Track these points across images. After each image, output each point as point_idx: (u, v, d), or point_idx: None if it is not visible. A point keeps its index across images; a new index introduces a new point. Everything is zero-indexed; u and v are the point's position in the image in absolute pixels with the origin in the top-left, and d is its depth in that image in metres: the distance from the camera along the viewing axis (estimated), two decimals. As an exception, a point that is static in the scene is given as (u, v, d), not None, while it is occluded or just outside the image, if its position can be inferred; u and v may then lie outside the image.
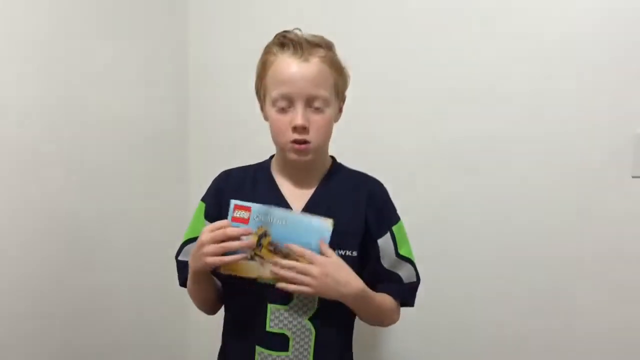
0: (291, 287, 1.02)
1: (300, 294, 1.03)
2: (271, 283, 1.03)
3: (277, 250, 1.02)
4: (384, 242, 1.11)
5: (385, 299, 1.11)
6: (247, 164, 1.20)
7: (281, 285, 1.02)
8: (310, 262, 1.01)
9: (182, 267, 1.14)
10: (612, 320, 1.37)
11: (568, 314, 1.41)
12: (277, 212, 1.02)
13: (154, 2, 1.67)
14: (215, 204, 1.12)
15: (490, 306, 1.49)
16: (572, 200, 1.39)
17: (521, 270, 1.45)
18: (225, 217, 1.02)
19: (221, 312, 1.18)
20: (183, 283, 1.15)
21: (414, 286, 1.15)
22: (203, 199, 1.16)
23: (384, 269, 1.12)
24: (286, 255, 1.02)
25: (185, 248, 1.15)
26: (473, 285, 1.50)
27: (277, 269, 1.02)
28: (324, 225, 1.02)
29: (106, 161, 1.53)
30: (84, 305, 1.48)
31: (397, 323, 1.17)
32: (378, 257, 1.12)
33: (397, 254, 1.12)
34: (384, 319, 1.15)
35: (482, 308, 1.50)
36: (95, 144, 1.50)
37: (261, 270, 1.02)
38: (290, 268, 1.01)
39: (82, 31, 1.46)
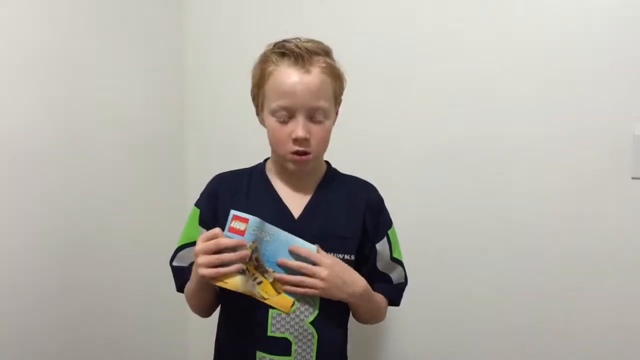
0: (299, 290, 1.02)
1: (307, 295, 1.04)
2: (257, 298, 1.03)
3: (259, 266, 1.02)
4: (381, 246, 1.14)
5: (379, 297, 1.14)
6: (245, 165, 1.20)
7: (287, 288, 1.02)
8: (317, 264, 1.02)
9: (178, 273, 1.14)
10: (611, 322, 1.37)
11: (567, 315, 1.41)
12: (268, 227, 1.01)
13: (151, 5, 1.66)
14: (210, 209, 1.12)
15: (490, 307, 1.49)
16: (572, 201, 1.39)
17: (520, 271, 1.45)
18: (221, 221, 1.02)
19: (216, 314, 1.18)
20: (180, 289, 1.15)
21: (402, 287, 1.19)
22: (197, 204, 1.15)
23: (378, 270, 1.15)
24: (264, 272, 1.02)
25: (180, 254, 1.14)
26: (471, 285, 1.50)
27: (281, 276, 1.02)
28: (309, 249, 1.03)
29: (103, 163, 1.53)
30: (82, 306, 1.48)
31: (396, 323, 1.17)
32: (375, 261, 1.14)
33: (391, 257, 1.15)
34: (377, 317, 1.18)
35: (481, 309, 1.50)
36: (92, 146, 1.49)
37: (247, 285, 1.01)
38: (299, 268, 1.02)
39: (80, 34, 1.45)
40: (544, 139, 1.40)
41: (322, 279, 1.02)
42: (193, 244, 1.05)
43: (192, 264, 1.09)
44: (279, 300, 1.03)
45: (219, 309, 1.17)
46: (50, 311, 1.40)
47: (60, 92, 1.41)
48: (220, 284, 1.00)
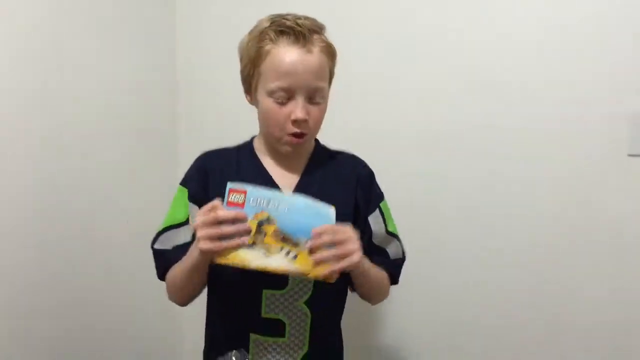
0: (341, 265, 0.92)
1: (349, 268, 0.94)
2: (279, 274, 0.94)
3: (287, 239, 0.92)
4: (374, 219, 1.11)
5: (378, 270, 1.09)
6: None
7: (323, 272, 0.91)
8: (342, 235, 0.93)
9: (160, 256, 1.08)
10: (610, 300, 1.37)
11: (565, 293, 1.40)
12: (279, 196, 0.93)
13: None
14: (200, 185, 1.07)
15: (488, 292, 1.48)
16: (568, 179, 1.38)
17: (517, 252, 1.44)
18: (212, 200, 0.96)
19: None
20: (162, 276, 1.08)
21: (399, 262, 1.14)
22: (183, 184, 1.09)
23: (374, 245, 1.11)
24: (297, 244, 0.92)
25: (163, 236, 1.07)
26: (468, 271, 1.49)
27: (319, 255, 0.91)
28: (330, 212, 0.95)
29: (96, 154, 1.52)
30: (74, 295, 1.47)
31: (391, 304, 1.12)
32: (370, 234, 1.10)
33: (387, 231, 1.12)
34: (380, 291, 1.13)
35: (480, 293, 1.48)
36: (84, 136, 1.49)
37: (267, 261, 0.92)
38: (336, 241, 0.92)
39: (73, 25, 1.45)
40: (539, 117, 1.39)
41: (357, 244, 0.93)
42: (177, 225, 1.03)
43: (175, 247, 1.05)
44: (320, 270, 0.92)
45: (205, 296, 1.13)
46: (43, 299, 1.39)
47: (50, 82, 1.40)
48: (222, 260, 0.91)
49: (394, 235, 1.13)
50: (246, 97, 1.10)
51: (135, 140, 1.63)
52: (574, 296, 1.40)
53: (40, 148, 1.37)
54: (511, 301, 1.45)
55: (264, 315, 1.04)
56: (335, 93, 1.09)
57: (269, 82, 1.00)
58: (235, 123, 1.42)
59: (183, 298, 1.09)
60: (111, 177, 1.56)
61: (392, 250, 1.13)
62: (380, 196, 1.14)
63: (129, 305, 1.63)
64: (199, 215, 0.93)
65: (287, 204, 0.93)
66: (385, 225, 1.12)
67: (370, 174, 1.15)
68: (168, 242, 1.06)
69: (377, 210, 1.11)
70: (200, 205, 1.00)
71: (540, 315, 1.43)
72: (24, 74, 1.33)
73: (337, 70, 1.08)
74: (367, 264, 1.03)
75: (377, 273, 1.08)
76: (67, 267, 1.44)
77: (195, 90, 1.77)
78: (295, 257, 0.92)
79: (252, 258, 0.91)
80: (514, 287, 1.45)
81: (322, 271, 0.92)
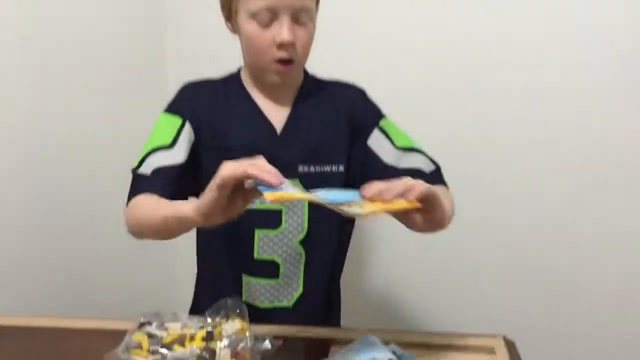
0: (421, 189, 0.74)
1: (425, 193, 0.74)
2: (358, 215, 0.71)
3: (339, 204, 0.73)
4: (375, 141, 1.00)
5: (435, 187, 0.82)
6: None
7: (404, 204, 0.72)
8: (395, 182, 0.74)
9: (137, 181, 0.94)
10: (615, 236, 1.38)
11: (571, 238, 1.41)
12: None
13: None
14: (194, 115, 0.99)
15: (486, 228, 1.47)
16: (573, 117, 1.35)
17: (522, 196, 1.42)
18: (203, 133, 0.93)
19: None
20: (130, 199, 0.94)
21: (437, 174, 0.99)
22: (172, 111, 0.99)
23: (395, 169, 0.96)
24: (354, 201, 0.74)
25: (148, 160, 0.95)
26: (465, 209, 1.43)
27: (391, 190, 0.72)
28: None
29: (80, 85, 1.46)
30: (65, 235, 1.45)
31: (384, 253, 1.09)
32: (379, 160, 0.98)
33: (397, 147, 0.98)
34: (450, 205, 0.91)
35: (477, 231, 1.47)
36: (68, 69, 1.42)
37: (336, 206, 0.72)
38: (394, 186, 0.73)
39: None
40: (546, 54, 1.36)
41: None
42: (161, 148, 0.94)
43: (155, 171, 0.94)
44: (399, 203, 0.73)
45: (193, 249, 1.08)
46: (33, 239, 1.37)
47: (33, 12, 1.33)
48: (277, 195, 0.67)
49: (410, 150, 0.98)
50: (227, 24, 1.00)
51: (120, 65, 1.57)
52: (577, 232, 1.40)
53: (12, 77, 1.31)
54: (510, 238, 1.45)
55: (257, 256, 0.99)
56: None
57: (250, 3, 0.91)
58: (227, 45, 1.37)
59: (141, 233, 0.91)
60: (97, 112, 1.50)
61: (421, 166, 0.98)
62: (377, 114, 1.03)
63: (118, 248, 1.58)
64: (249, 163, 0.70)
65: (321, 191, 0.77)
66: (393, 143, 0.99)
67: (362, 98, 1.05)
68: (148, 167, 0.95)
69: (377, 131, 1.00)
70: (196, 130, 0.96)
71: (538, 253, 1.43)
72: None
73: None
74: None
75: (439, 189, 0.83)
76: (52, 212, 1.42)
77: (184, 24, 1.68)
78: (361, 207, 0.73)
79: (314, 197, 0.73)
80: (515, 226, 1.44)
81: (402, 204, 0.72)
